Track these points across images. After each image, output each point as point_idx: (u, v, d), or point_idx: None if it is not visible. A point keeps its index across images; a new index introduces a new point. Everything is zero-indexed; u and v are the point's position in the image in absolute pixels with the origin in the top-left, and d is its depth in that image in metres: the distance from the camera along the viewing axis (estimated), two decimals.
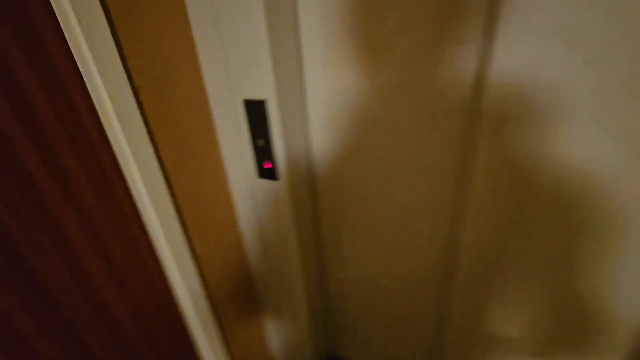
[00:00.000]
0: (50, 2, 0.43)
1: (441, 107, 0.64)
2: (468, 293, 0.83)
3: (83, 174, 0.49)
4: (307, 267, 0.93)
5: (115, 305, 0.57)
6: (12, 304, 0.42)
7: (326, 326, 1.13)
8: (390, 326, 1.01)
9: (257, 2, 0.59)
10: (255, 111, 0.71)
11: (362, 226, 0.87)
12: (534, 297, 0.75)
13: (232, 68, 0.68)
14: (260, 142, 0.74)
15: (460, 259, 0.79)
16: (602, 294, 0.67)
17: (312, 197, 0.89)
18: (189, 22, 0.63)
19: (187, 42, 0.63)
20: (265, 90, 0.68)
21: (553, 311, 0.74)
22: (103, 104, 0.49)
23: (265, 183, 0.80)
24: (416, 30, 0.59)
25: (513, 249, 0.72)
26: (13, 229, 0.42)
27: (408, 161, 0.73)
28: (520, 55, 0.55)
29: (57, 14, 0.43)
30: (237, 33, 0.63)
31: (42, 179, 0.44)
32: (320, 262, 1.00)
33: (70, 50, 0.45)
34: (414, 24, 0.59)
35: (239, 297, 0.89)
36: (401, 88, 0.65)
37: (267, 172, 0.78)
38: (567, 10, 0.50)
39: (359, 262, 0.94)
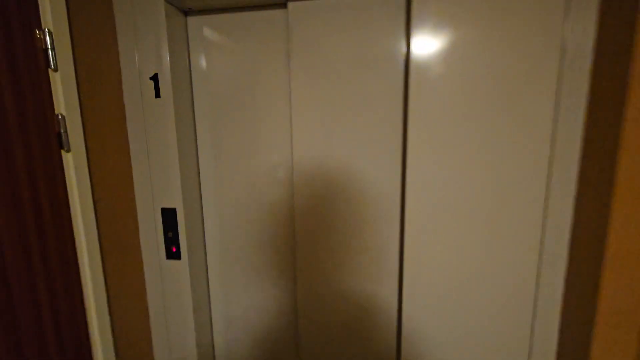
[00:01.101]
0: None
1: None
2: None
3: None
4: (199, 327, 1.24)
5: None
6: None
7: None
8: None
9: (174, 155, 1.07)
10: (168, 215, 1.14)
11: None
12: None
13: (156, 187, 1.12)
14: (170, 234, 1.15)
15: None
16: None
17: (205, 274, 1.27)
18: (131, 164, 1.09)
19: (128, 172, 1.09)
20: (175, 201, 1.12)
21: None
22: (75, 209, 0.90)
23: (172, 263, 1.18)
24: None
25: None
26: None
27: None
28: None
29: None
30: (161, 171, 1.10)
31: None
32: (209, 325, 1.31)
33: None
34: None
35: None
36: None
37: (174, 255, 1.17)
38: None
39: (241, 327, 1.27)
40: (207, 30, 1.12)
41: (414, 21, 0.88)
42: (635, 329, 0.76)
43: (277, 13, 1.06)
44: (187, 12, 1.11)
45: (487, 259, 0.97)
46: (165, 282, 1.20)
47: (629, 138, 0.70)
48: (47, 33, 0.83)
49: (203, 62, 1.14)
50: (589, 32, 0.81)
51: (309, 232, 1.12)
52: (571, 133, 0.85)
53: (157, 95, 1.07)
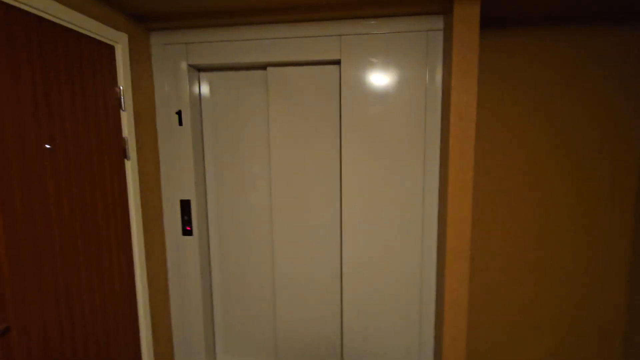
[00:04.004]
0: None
1: None
2: None
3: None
4: (205, 290, 1.75)
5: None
6: None
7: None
8: None
9: (189, 156, 1.62)
10: (185, 204, 1.67)
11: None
12: None
13: (179, 185, 1.66)
14: (186, 217, 1.68)
15: None
16: None
17: (208, 249, 1.80)
18: (160, 166, 1.63)
19: (157, 174, 1.62)
20: (190, 195, 1.66)
21: None
22: (131, 198, 1.42)
23: (187, 238, 1.70)
24: None
25: None
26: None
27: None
28: None
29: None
30: (181, 174, 1.64)
31: None
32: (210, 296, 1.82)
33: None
34: None
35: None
36: None
37: (188, 232, 1.69)
38: None
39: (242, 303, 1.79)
40: (213, 80, 1.71)
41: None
42: (464, 262, 1.36)
43: (259, 73, 1.66)
44: (200, 69, 1.69)
45: (391, 247, 1.55)
46: (180, 253, 1.72)
47: (454, 141, 1.32)
48: (120, 88, 1.38)
49: (210, 102, 1.72)
50: (438, 80, 1.44)
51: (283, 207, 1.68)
52: (434, 156, 1.48)
53: (180, 124, 1.63)
